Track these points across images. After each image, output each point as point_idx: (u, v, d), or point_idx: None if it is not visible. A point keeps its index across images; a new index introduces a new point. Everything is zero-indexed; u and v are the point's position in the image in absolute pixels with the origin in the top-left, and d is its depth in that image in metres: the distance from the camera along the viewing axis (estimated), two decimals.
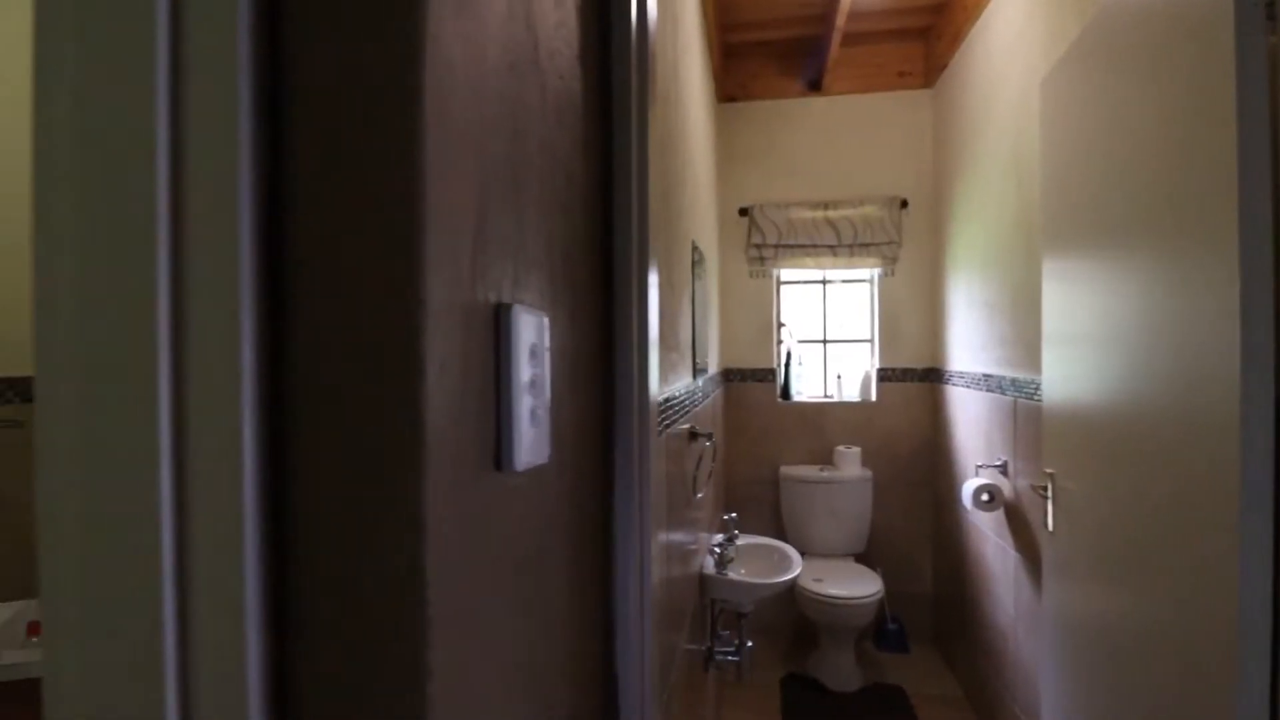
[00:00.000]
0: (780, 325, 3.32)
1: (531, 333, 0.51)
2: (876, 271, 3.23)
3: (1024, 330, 2.08)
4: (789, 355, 3.31)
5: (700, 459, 1.68)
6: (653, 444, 0.87)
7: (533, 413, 0.51)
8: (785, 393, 3.28)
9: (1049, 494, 1.59)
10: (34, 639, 1.58)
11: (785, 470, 3.13)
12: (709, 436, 1.71)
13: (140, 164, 0.36)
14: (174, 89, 0.36)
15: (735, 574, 1.93)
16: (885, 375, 3.21)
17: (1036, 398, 1.95)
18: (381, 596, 0.37)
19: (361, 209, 0.37)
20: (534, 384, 0.51)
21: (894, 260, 3.18)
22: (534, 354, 0.51)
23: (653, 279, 0.88)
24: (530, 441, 0.50)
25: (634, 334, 0.82)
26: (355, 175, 0.37)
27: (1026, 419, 2.05)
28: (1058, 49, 1.84)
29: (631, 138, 0.82)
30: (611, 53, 0.81)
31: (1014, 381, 2.16)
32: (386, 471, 0.37)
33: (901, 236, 3.16)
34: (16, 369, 1.72)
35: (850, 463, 3.05)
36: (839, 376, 3.32)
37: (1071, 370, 1.49)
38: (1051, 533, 1.59)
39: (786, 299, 3.39)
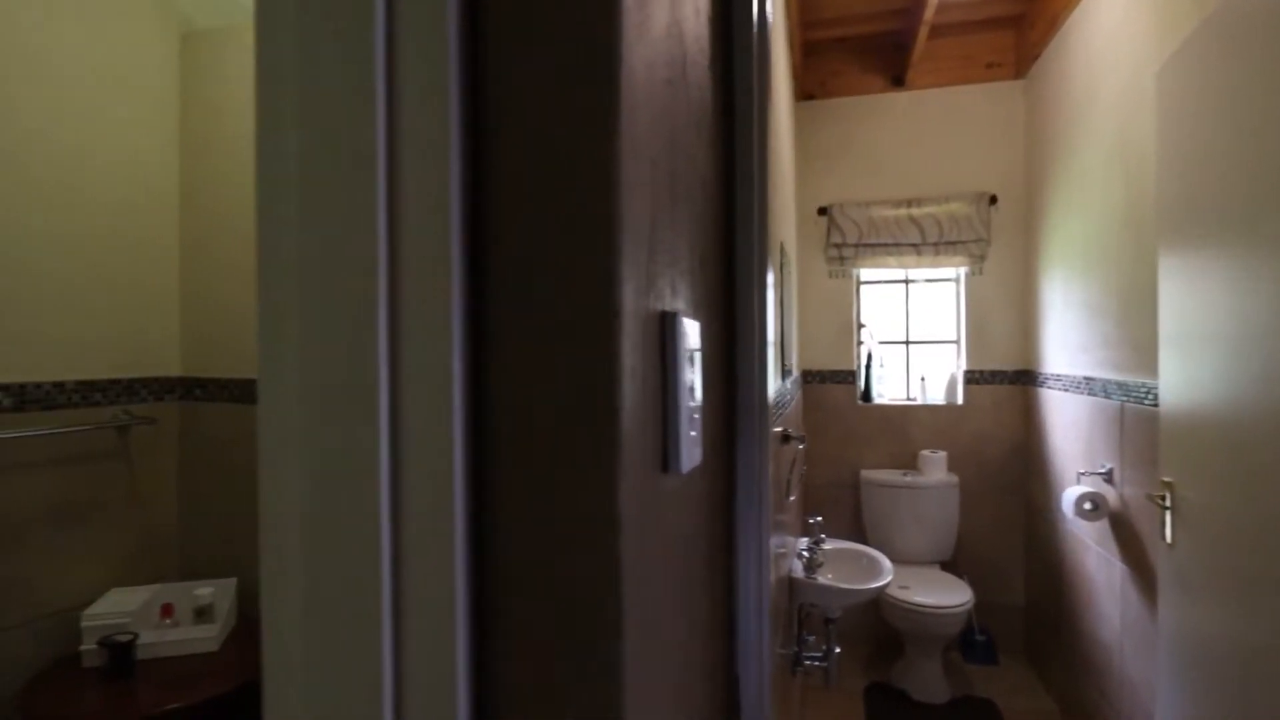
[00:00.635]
0: (860, 326, 3.25)
1: (690, 339, 0.52)
2: (963, 270, 3.13)
3: (1133, 331, 1.98)
4: (870, 357, 3.24)
5: (793, 462, 1.67)
6: (770, 446, 0.88)
7: (691, 417, 0.52)
8: (866, 395, 3.22)
9: (1167, 504, 1.51)
10: (167, 620, 1.70)
11: (866, 474, 3.07)
12: (801, 439, 1.70)
13: (360, 190, 0.39)
14: (390, 114, 0.39)
15: (824, 578, 1.90)
16: (973, 377, 3.10)
17: (1148, 402, 1.85)
18: (581, 594, 0.39)
19: (563, 226, 0.39)
20: (692, 389, 0.52)
21: (982, 258, 3.07)
22: (691, 360, 0.53)
23: (769, 280, 0.88)
24: (690, 445, 0.51)
25: (755, 336, 0.82)
26: (557, 193, 0.39)
27: (1136, 424, 1.95)
28: (1171, 36, 1.75)
29: (753, 142, 0.83)
30: (734, 59, 0.82)
31: (1121, 385, 2.05)
32: (588, 473, 0.39)
33: (990, 234, 3.05)
34: (152, 370, 1.86)
35: (935, 467, 2.97)
36: (923, 379, 3.23)
37: (1196, 373, 1.41)
38: (1170, 545, 1.51)
39: (866, 299, 3.32)
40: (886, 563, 2.07)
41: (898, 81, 3.14)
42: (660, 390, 0.49)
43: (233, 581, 1.80)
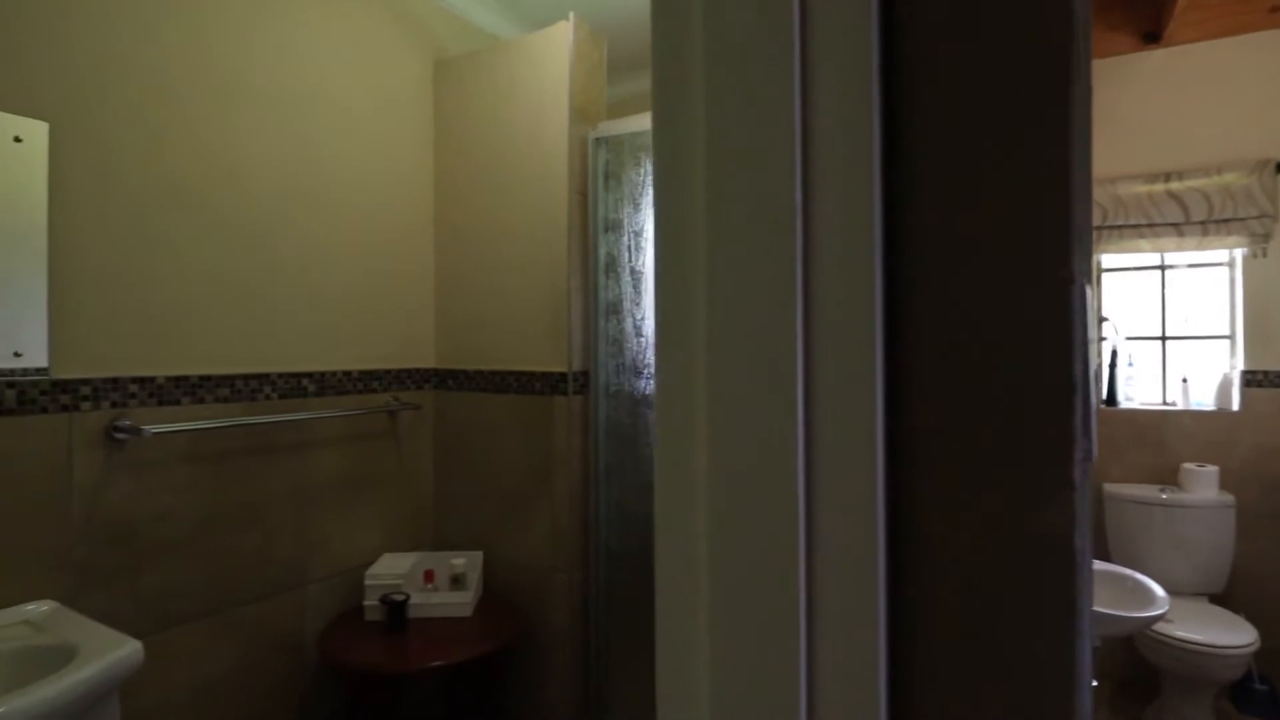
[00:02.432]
0: (1102, 320, 2.87)
1: (1089, 312, 0.47)
2: (1240, 253, 2.66)
3: None
4: (1114, 355, 2.86)
5: None
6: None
7: (1092, 399, 0.47)
8: (1110, 398, 2.84)
9: None
10: (429, 585, 1.90)
11: (1111, 488, 2.71)
12: None
13: (773, 193, 0.38)
14: (804, 76, 0.38)
15: None
16: (1253, 379, 2.62)
17: None
18: (1032, 584, 0.36)
19: (1014, 177, 0.36)
20: (1095, 370, 0.47)
21: (1265, 238, 2.59)
22: (1093, 335, 0.48)
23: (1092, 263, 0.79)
24: (1095, 425, 0.46)
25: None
26: (1009, 143, 0.37)
27: None
28: None
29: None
30: None
31: None
32: (1044, 450, 0.36)
33: (1276, 209, 2.56)
34: (414, 362, 2.10)
35: (1203, 484, 2.55)
36: (1184, 380, 2.79)
37: None
38: None
39: (1110, 288, 2.93)
40: (1159, 591, 1.80)
41: (1152, 38, 2.74)
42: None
43: (480, 554, 1.98)
